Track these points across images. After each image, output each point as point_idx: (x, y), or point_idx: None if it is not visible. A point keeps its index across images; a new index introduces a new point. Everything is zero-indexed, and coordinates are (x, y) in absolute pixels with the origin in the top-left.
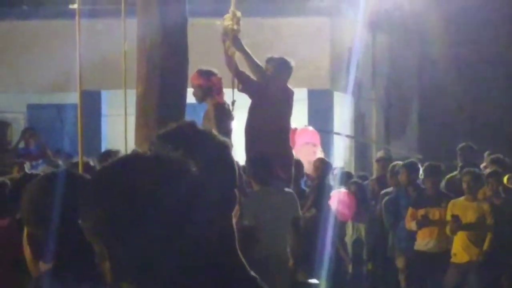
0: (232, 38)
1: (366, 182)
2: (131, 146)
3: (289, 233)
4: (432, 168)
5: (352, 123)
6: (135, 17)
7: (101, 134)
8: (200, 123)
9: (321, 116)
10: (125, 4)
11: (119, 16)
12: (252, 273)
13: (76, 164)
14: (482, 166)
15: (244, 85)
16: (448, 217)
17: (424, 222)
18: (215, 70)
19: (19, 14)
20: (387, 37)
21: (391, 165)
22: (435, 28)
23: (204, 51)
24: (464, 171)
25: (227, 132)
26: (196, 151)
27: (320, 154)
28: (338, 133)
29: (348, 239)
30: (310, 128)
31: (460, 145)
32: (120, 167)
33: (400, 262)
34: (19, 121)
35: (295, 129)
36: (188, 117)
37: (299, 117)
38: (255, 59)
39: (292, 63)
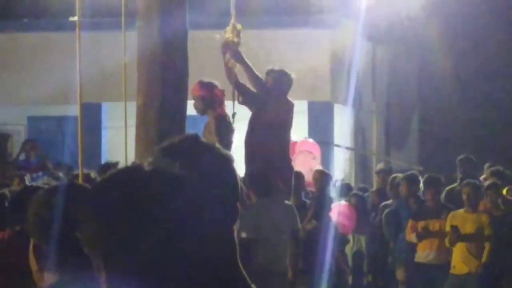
0: (233, 50)
1: (366, 194)
2: (131, 158)
3: (288, 245)
4: (432, 180)
5: (352, 135)
6: (135, 30)
7: (101, 146)
8: (200, 135)
9: (321, 128)
10: (125, 17)
11: (119, 28)
12: (253, 286)
13: (77, 176)
14: (482, 178)
15: (245, 97)
16: (448, 228)
17: (424, 234)
18: (216, 82)
19: (19, 26)
20: (387, 50)
21: (391, 177)
22: (435, 41)
23: (204, 63)
24: (464, 183)
25: (228, 144)
26: (199, 164)
27: (317, 163)
28: (338, 145)
29: (349, 250)
30: (310, 140)
31: (460, 157)
32: (119, 179)
33: (400, 274)
34: (19, 133)
35: (295, 142)
36: (188, 129)
37: (299, 129)
38: (256, 71)
39: (293, 75)
